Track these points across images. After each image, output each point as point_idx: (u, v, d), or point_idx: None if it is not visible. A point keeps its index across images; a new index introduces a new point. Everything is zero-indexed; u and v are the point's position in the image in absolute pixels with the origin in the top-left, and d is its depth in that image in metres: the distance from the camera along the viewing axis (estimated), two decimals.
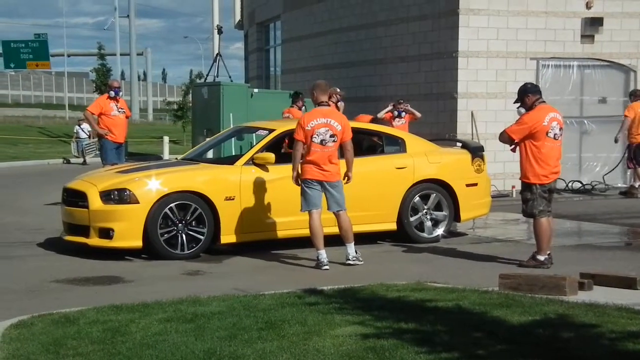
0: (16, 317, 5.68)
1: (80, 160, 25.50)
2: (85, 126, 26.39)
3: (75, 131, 27.16)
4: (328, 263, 8.29)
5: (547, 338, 4.94)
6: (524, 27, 15.76)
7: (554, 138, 8.18)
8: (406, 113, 15.30)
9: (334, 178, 8.35)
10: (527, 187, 8.28)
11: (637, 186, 14.93)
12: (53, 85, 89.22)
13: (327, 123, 8.31)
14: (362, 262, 8.46)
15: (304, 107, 14.03)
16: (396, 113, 15.28)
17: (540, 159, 8.14)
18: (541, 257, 8.24)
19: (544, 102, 8.36)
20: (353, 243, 8.50)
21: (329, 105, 8.69)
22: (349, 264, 8.39)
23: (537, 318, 5.43)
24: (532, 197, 8.19)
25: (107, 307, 5.90)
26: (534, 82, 8.72)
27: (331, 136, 8.30)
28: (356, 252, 8.50)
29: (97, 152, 25.87)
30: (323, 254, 8.31)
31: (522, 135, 8.16)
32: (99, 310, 5.81)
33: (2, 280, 7.80)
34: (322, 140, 8.28)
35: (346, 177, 8.48)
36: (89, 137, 26.17)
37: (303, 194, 8.38)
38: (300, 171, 8.37)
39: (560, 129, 8.26)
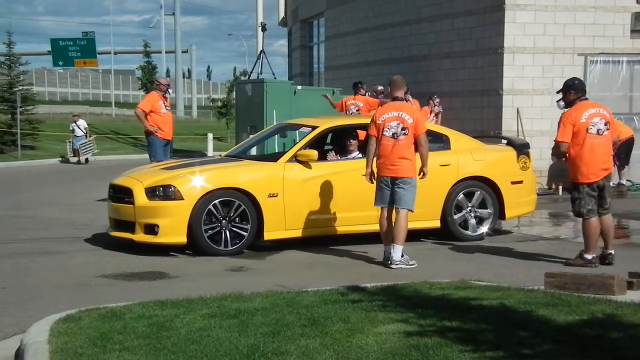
0: (64, 312, 5.77)
1: (75, 159, 24.57)
2: (81, 123, 25.51)
3: (71, 128, 25.59)
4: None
5: (595, 338, 4.86)
6: (572, 22, 15.53)
7: (598, 134, 7.96)
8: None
9: (404, 174, 8.19)
10: (574, 186, 8.15)
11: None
12: (100, 82, 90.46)
13: (399, 116, 8.26)
14: (414, 265, 8.14)
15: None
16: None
17: (583, 157, 7.94)
18: (589, 256, 8.10)
19: (586, 99, 8.15)
20: (401, 247, 8.20)
21: (403, 100, 8.66)
22: (392, 268, 8.09)
23: (584, 317, 5.34)
24: (579, 197, 8.03)
25: (153, 302, 5.96)
26: (581, 79, 8.51)
27: (402, 129, 8.23)
28: (402, 256, 8.19)
29: (94, 152, 25.40)
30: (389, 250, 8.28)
31: (570, 133, 7.96)
32: (145, 305, 5.88)
33: (51, 275, 7.95)
34: (393, 134, 8.24)
35: (421, 173, 8.34)
36: (85, 135, 25.34)
37: (376, 190, 8.38)
38: (375, 168, 8.37)
39: (606, 123, 8.02)
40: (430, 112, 15.68)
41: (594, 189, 8.02)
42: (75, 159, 24.66)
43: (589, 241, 8.11)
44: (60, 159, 25.40)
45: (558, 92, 8.32)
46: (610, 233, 8.18)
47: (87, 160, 24.75)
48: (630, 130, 15.10)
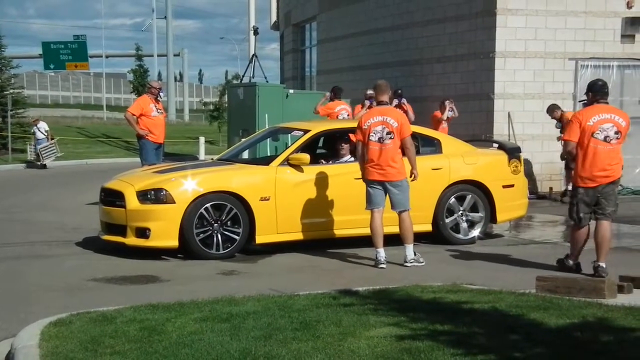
0: (55, 315, 5.76)
1: (38, 163, 23.57)
2: (42, 125, 24.75)
3: (32, 132, 25.03)
4: (385, 262, 8.34)
5: (586, 341, 4.88)
6: (563, 27, 15.58)
7: (605, 140, 7.64)
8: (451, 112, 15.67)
9: (394, 177, 8.35)
10: (573, 189, 8.06)
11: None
12: (91, 86, 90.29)
13: (384, 121, 8.36)
14: (423, 263, 8.44)
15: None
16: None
17: (584, 161, 7.72)
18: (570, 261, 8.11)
19: (606, 103, 7.91)
20: (412, 245, 8.48)
21: (388, 104, 8.77)
22: (406, 266, 8.37)
23: (575, 321, 5.36)
24: (575, 201, 7.90)
25: (144, 306, 5.95)
26: (605, 82, 8.11)
27: (388, 133, 8.33)
28: (415, 254, 8.48)
29: (58, 155, 24.38)
30: (381, 253, 8.37)
31: (577, 132, 7.71)
32: (136, 309, 5.87)
33: (42, 278, 7.93)
34: (379, 138, 8.34)
35: (412, 175, 8.49)
36: (47, 138, 24.45)
37: (366, 193, 8.48)
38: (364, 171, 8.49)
39: (618, 132, 7.67)
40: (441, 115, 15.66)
41: (592, 196, 7.77)
42: (38, 163, 23.70)
43: (572, 247, 8.12)
44: (24, 164, 24.41)
45: (585, 94, 8.12)
46: (603, 243, 7.74)
47: (45, 165, 23.54)
48: None
